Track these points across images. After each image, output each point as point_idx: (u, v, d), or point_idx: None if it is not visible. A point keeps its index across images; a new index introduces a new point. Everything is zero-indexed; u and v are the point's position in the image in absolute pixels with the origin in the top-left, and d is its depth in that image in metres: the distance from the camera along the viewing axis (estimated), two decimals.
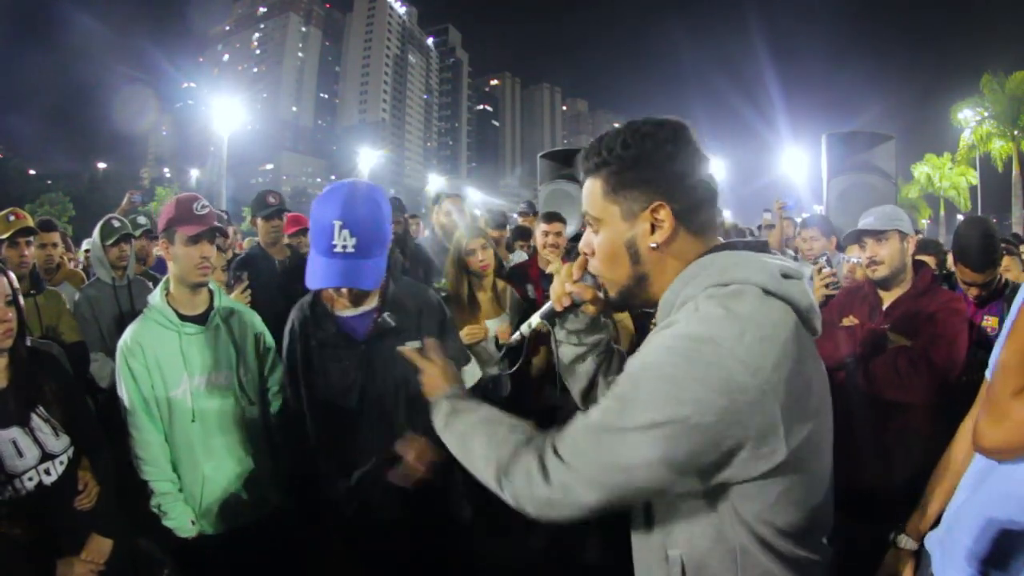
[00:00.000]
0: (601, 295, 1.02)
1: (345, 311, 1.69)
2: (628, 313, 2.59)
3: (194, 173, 52.36)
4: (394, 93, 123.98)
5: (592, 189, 0.93)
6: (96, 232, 2.90)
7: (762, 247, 0.92)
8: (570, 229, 4.45)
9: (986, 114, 21.00)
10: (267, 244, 3.24)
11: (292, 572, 1.99)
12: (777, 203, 4.60)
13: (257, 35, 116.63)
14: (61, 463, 1.56)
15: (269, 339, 2.03)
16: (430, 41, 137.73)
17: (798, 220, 4.50)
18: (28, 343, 1.60)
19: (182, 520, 1.78)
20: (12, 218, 2.67)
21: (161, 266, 4.10)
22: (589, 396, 1.14)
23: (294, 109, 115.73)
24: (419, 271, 3.42)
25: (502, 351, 2.56)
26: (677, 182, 0.87)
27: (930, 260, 2.51)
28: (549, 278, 3.09)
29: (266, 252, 3.22)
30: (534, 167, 5.33)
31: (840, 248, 3.02)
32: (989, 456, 0.97)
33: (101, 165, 42.95)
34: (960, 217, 22.06)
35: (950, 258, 2.89)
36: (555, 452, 0.83)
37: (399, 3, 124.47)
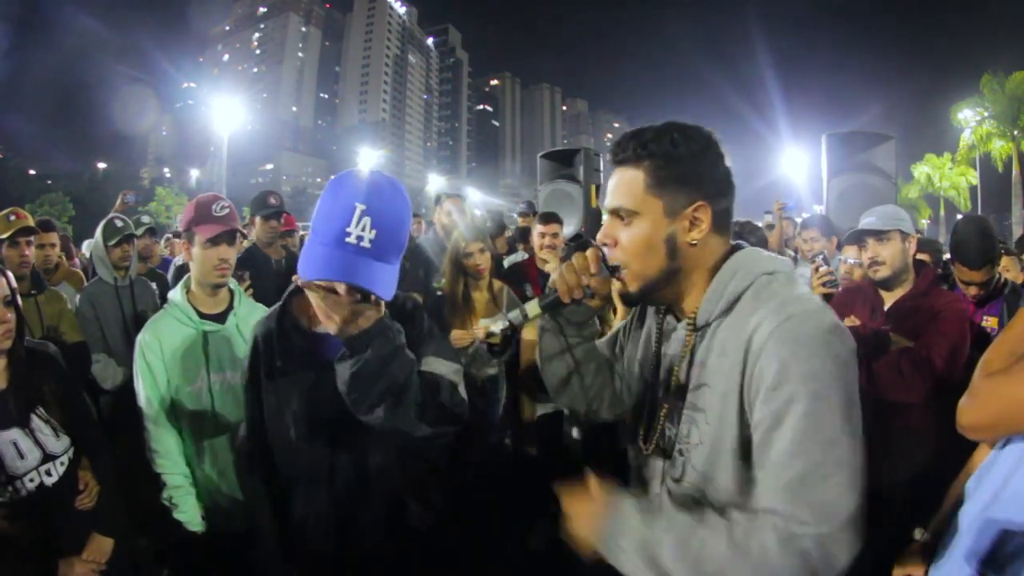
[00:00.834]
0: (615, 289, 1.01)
1: (320, 327, 1.32)
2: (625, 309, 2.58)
3: (194, 173, 52.21)
4: (394, 93, 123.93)
5: (629, 180, 0.93)
6: (99, 232, 2.90)
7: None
8: (569, 229, 4.46)
9: (986, 114, 20.94)
10: (263, 244, 3.26)
11: (292, 572, 1.99)
12: (777, 203, 4.59)
13: (257, 35, 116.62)
14: (62, 464, 1.56)
15: None
16: (430, 41, 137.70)
17: (798, 220, 4.51)
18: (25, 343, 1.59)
19: (193, 514, 1.79)
20: (12, 218, 2.66)
21: (165, 264, 4.11)
22: (563, 390, 1.14)
23: (294, 109, 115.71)
24: (419, 271, 3.43)
25: (489, 337, 2.52)
26: (717, 185, 0.94)
27: (925, 258, 2.50)
28: (546, 277, 3.09)
29: (263, 251, 3.24)
30: (534, 167, 5.34)
31: (840, 248, 3.02)
32: (967, 435, 1.02)
33: (101, 165, 42.86)
34: (960, 217, 22.03)
35: (947, 257, 2.89)
36: (799, 522, 0.76)
37: (399, 3, 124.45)
